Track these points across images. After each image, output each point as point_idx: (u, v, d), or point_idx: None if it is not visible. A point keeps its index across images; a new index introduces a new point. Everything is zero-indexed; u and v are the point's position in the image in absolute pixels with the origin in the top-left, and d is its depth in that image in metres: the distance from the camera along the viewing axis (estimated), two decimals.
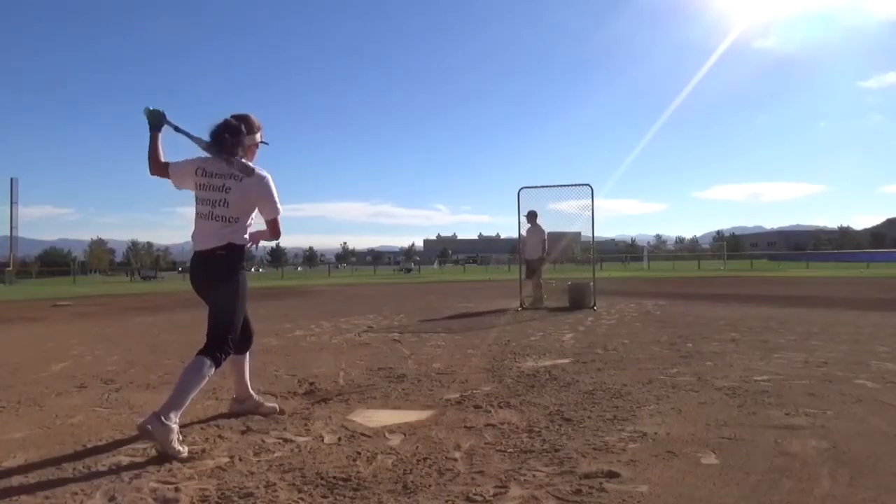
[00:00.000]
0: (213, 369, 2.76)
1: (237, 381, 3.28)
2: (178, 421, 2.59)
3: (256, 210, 2.99)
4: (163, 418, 2.52)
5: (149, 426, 2.50)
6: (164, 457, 2.51)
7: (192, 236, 2.96)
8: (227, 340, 2.84)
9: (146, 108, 2.86)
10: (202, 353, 2.77)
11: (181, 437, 2.63)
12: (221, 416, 3.24)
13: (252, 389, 3.33)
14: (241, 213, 2.90)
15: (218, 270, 2.88)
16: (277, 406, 3.35)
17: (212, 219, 2.87)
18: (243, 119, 2.99)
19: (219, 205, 2.86)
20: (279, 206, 2.97)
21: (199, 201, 2.90)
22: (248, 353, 3.24)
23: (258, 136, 3.06)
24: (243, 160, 2.89)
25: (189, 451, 2.60)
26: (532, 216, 10.18)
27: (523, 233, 10.44)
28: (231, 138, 2.88)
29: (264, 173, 2.92)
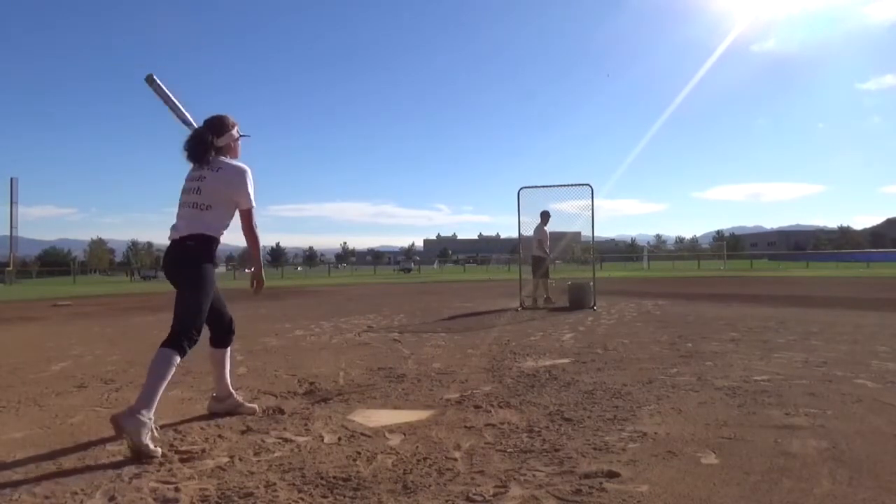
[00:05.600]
0: (178, 359, 2.77)
1: (217, 378, 3.26)
2: (152, 417, 2.61)
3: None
4: (139, 416, 2.55)
5: (120, 420, 2.53)
6: (137, 455, 2.51)
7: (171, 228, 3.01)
8: (190, 331, 2.82)
9: None
10: (166, 343, 2.77)
11: (156, 433, 2.65)
12: (221, 415, 3.24)
13: (233, 388, 3.31)
14: (213, 202, 2.93)
15: (184, 260, 2.91)
16: (256, 407, 3.33)
17: (185, 207, 2.96)
18: (212, 122, 3.06)
19: (192, 193, 2.95)
20: (253, 199, 3.01)
21: (180, 200, 3.02)
22: (228, 350, 3.23)
23: (235, 132, 3.12)
24: (221, 158, 3.01)
25: (189, 451, 2.61)
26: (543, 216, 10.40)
27: (530, 232, 10.57)
28: (199, 147, 2.98)
29: (243, 166, 3.03)
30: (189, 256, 2.89)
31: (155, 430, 2.65)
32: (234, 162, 3.05)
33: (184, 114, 3.14)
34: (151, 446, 2.55)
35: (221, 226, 2.99)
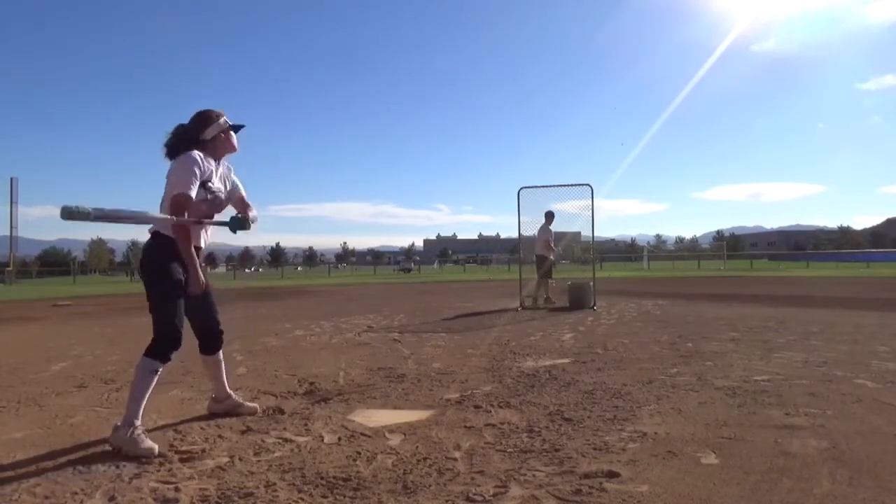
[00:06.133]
0: (159, 366, 2.76)
1: (213, 380, 3.26)
2: (138, 423, 2.66)
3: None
4: (123, 428, 2.63)
5: (111, 440, 2.65)
6: (136, 459, 2.54)
7: None
8: (167, 334, 2.77)
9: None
10: (146, 352, 2.77)
11: (145, 432, 2.68)
12: (221, 415, 3.24)
13: (231, 389, 3.32)
14: (166, 195, 2.85)
15: (141, 260, 2.89)
16: (257, 407, 3.33)
17: None
18: (195, 118, 2.99)
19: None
20: (182, 186, 2.74)
21: None
22: (219, 353, 3.19)
23: (222, 122, 3.00)
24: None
25: (189, 451, 2.61)
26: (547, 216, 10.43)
27: (531, 232, 10.57)
28: (174, 144, 2.93)
29: (189, 152, 2.85)
30: (144, 256, 2.87)
31: (144, 434, 2.67)
32: (190, 152, 2.87)
33: (129, 216, 2.59)
34: (144, 446, 2.58)
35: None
